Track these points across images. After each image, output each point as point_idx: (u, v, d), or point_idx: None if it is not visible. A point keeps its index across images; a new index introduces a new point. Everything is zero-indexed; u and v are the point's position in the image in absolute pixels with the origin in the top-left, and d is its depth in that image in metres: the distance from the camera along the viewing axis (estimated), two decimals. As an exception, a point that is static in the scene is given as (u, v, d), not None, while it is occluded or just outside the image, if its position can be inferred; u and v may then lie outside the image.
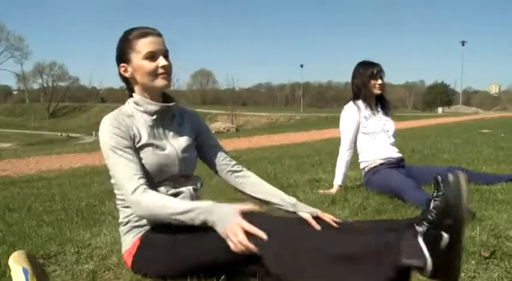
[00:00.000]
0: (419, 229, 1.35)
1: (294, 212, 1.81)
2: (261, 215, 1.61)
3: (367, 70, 3.55)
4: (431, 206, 1.35)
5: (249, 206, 1.61)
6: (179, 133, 1.92)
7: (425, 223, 1.35)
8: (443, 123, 23.46)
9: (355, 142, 3.61)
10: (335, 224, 1.63)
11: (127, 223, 1.84)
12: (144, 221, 1.79)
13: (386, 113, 3.68)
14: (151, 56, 1.78)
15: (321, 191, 3.58)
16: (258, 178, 2.02)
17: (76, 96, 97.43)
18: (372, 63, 3.61)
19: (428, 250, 1.31)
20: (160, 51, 1.80)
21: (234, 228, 1.52)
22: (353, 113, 3.56)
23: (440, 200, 1.35)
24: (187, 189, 1.87)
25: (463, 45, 69.14)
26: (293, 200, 1.88)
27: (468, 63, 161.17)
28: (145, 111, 1.85)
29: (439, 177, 1.39)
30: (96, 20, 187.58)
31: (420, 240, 1.33)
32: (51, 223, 2.93)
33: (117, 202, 1.88)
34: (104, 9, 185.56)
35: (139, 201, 1.66)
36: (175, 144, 1.88)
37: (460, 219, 1.33)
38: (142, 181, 1.70)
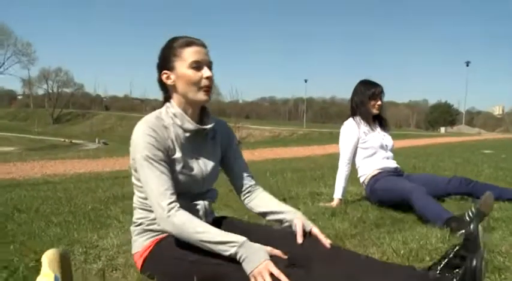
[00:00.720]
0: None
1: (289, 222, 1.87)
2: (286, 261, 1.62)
3: (368, 90, 3.64)
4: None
5: (278, 251, 1.63)
6: (209, 152, 1.94)
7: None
8: (445, 143, 23.52)
9: (354, 157, 3.69)
10: (327, 246, 1.70)
11: (139, 224, 1.88)
12: (157, 227, 1.82)
13: (384, 129, 3.77)
14: (197, 66, 1.79)
15: (321, 204, 3.65)
16: (267, 195, 2.05)
17: (80, 103, 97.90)
18: (373, 83, 3.69)
19: None
20: (205, 61, 1.82)
21: (263, 271, 1.55)
22: (353, 129, 3.66)
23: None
24: (202, 203, 1.91)
25: (467, 65, 69.38)
26: (298, 213, 1.92)
27: (472, 83, 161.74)
28: (181, 127, 1.85)
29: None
30: (103, 29, 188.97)
31: None
32: (59, 224, 3.01)
33: (135, 202, 1.91)
34: (112, 19, 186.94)
35: (171, 220, 1.68)
36: (204, 164, 1.91)
37: None
38: (174, 197, 1.72)
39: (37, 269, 1.94)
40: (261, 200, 2.01)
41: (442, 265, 1.56)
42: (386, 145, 3.67)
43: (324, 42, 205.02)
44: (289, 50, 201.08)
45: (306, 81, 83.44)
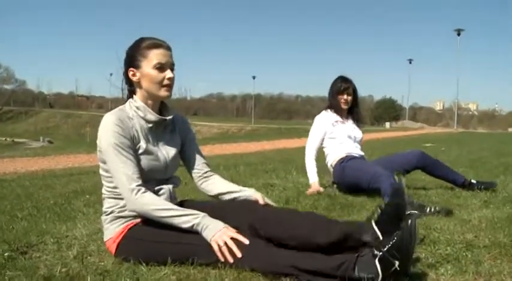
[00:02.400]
0: (376, 252, 1.65)
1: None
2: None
3: (336, 85, 3.96)
4: (391, 242, 1.64)
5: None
6: (170, 141, 2.13)
7: (382, 250, 1.63)
8: (390, 137, 24.48)
9: (321, 147, 3.97)
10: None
11: (110, 212, 2.03)
12: (127, 213, 2.00)
13: (355, 122, 4.05)
14: (160, 67, 1.98)
15: (308, 192, 3.80)
16: (224, 179, 2.27)
17: (21, 100, 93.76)
18: (343, 79, 3.98)
19: (381, 269, 1.61)
20: (169, 63, 2.01)
21: (222, 235, 1.79)
22: (322, 121, 3.97)
23: (397, 238, 1.64)
24: (167, 187, 2.09)
25: (410, 63, 72.11)
26: (252, 190, 2.18)
27: (415, 80, 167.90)
28: (143, 118, 2.04)
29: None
30: (46, 25, 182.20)
31: (376, 261, 1.63)
32: (25, 218, 3.08)
33: (104, 192, 2.06)
34: (56, 14, 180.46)
35: (137, 200, 1.89)
36: (166, 152, 2.09)
37: (409, 254, 1.65)
38: (140, 181, 1.92)
39: (13, 259, 2.07)
40: (218, 183, 2.24)
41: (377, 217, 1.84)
42: (354, 136, 3.95)
43: (272, 39, 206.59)
44: (237, 46, 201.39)
45: (254, 77, 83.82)
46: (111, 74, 39.35)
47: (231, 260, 1.76)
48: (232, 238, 1.79)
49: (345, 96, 3.94)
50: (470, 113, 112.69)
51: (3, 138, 55.24)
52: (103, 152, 1.96)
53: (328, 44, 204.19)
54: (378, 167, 3.48)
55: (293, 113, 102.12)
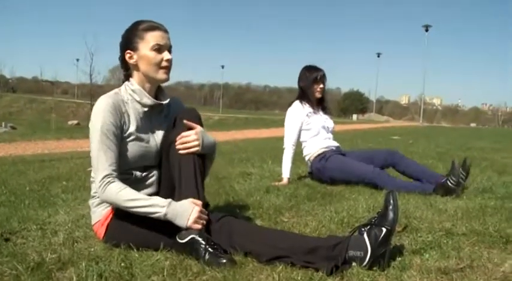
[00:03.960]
0: (363, 229, 1.76)
1: None
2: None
3: (312, 75, 3.95)
4: (376, 215, 1.79)
5: (198, 201, 1.89)
6: (164, 127, 2.11)
7: (371, 224, 1.76)
8: (358, 129, 24.87)
9: (298, 138, 3.98)
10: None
11: (97, 197, 2.03)
12: None
13: (326, 113, 4.11)
14: (158, 49, 1.98)
15: (273, 183, 3.84)
16: None
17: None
18: (316, 68, 4.00)
19: (370, 243, 1.70)
20: (167, 45, 2.01)
21: (195, 219, 1.82)
22: (298, 112, 3.95)
23: (381, 210, 1.79)
24: (155, 172, 2.10)
25: (378, 56, 73.14)
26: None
27: (382, 74, 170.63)
28: (139, 102, 2.03)
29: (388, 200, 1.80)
30: (8, 8, 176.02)
31: (365, 236, 1.73)
32: (3, 204, 3.01)
33: (92, 175, 2.05)
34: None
35: (105, 192, 1.88)
36: (158, 138, 2.09)
37: (394, 221, 1.75)
38: (113, 171, 1.91)
39: (-2, 244, 2.04)
40: None
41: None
42: (328, 127, 4.01)
43: (242, 29, 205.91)
44: (206, 35, 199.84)
45: (222, 67, 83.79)
46: (77, 60, 38.54)
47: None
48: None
49: (321, 85, 3.97)
50: (435, 107, 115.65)
51: (-38, 124, 53.29)
52: (90, 134, 1.95)
53: (297, 36, 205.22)
54: (363, 165, 3.59)
55: (260, 104, 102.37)
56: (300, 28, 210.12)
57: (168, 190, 2.03)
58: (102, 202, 2.03)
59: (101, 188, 1.89)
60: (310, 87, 3.96)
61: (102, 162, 1.90)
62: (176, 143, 1.96)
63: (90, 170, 2.04)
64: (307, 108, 3.96)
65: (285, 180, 3.89)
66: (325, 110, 4.12)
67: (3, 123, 30.36)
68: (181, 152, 1.96)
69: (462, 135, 17.43)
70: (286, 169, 3.92)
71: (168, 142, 2.02)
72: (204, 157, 2.03)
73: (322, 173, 3.80)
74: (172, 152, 1.98)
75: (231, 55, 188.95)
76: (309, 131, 3.96)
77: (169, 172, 2.02)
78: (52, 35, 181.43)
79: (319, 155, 3.85)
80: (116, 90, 2.06)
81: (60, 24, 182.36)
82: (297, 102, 4.01)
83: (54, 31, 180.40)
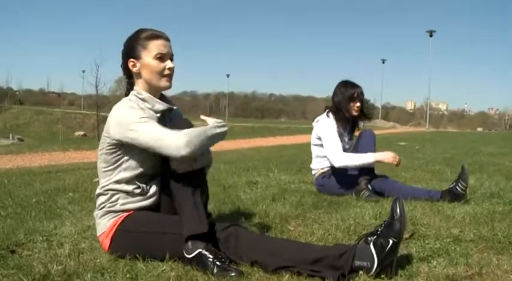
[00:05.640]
0: (370, 239, 1.75)
1: None
2: None
3: (347, 91, 3.64)
4: (382, 225, 1.77)
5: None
6: None
7: (377, 234, 1.75)
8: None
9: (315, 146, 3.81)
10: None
11: (102, 207, 2.05)
12: (118, 207, 2.01)
13: (351, 136, 3.81)
14: (161, 57, 2.00)
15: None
16: None
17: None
18: (353, 84, 3.69)
19: (376, 253, 1.69)
20: (169, 54, 2.03)
21: None
22: (333, 123, 3.66)
23: (387, 220, 1.78)
24: (156, 184, 2.08)
25: (383, 62, 73.09)
26: None
27: (387, 80, 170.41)
28: (151, 109, 2.03)
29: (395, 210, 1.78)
30: (16, 21, 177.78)
31: (371, 246, 1.72)
32: (9, 216, 3.03)
33: (98, 190, 2.06)
34: (27, 11, 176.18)
35: (185, 140, 1.81)
36: None
37: (401, 231, 1.74)
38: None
39: (4, 257, 2.04)
40: None
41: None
42: (345, 152, 3.63)
43: (247, 37, 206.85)
44: (211, 45, 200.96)
45: (228, 76, 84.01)
46: (83, 71, 38.83)
47: None
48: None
49: (358, 104, 3.65)
50: (441, 112, 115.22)
51: (-30, 136, 53.75)
52: (132, 131, 1.89)
53: (302, 44, 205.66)
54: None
55: (266, 112, 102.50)
56: (304, 35, 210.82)
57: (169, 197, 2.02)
58: (107, 213, 2.03)
59: (184, 143, 1.82)
60: (346, 105, 3.64)
61: (162, 132, 1.86)
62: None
63: (97, 181, 2.04)
64: (338, 128, 3.66)
65: (384, 154, 3.58)
66: (352, 133, 3.81)
67: (10, 136, 30.65)
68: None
69: (469, 140, 17.30)
70: (362, 156, 3.52)
71: None
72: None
73: (325, 189, 3.71)
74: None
75: (236, 64, 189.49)
76: (323, 149, 3.70)
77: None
78: (58, 46, 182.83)
79: (323, 173, 3.75)
80: (127, 100, 2.05)
81: (66, 36, 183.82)
82: (331, 118, 3.69)
83: (60, 43, 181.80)
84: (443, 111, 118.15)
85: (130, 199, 2.02)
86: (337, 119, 3.67)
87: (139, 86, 2.07)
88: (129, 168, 2.01)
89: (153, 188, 2.08)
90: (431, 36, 52.03)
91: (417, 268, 1.78)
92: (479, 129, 61.49)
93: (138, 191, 2.03)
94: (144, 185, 2.05)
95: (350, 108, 3.65)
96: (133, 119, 1.90)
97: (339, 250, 1.73)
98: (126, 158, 2.00)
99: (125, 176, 2.01)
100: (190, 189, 1.91)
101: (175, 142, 1.81)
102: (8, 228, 2.63)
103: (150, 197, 2.06)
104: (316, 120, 3.82)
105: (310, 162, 3.93)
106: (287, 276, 1.69)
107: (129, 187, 2.02)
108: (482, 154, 8.87)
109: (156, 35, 2.02)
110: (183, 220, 1.87)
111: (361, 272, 1.68)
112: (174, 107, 2.13)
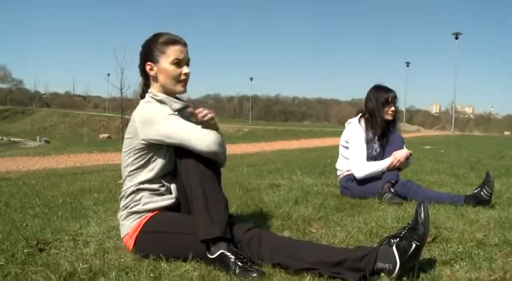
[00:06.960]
0: (393, 241, 1.74)
1: None
2: None
3: (381, 96, 3.61)
4: (405, 228, 1.78)
5: None
6: None
7: (400, 236, 1.75)
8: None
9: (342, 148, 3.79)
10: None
11: (125, 208, 2.09)
12: (141, 207, 2.04)
13: (383, 140, 3.71)
14: (178, 63, 2.05)
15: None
16: None
17: (18, 99, 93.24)
18: (386, 89, 3.67)
19: (399, 256, 1.69)
20: (185, 59, 2.08)
21: None
22: (362, 131, 3.65)
23: (411, 223, 1.78)
24: (174, 186, 2.12)
25: (407, 65, 72.13)
26: None
27: (412, 83, 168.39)
28: (170, 108, 2.06)
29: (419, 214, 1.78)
30: (43, 24, 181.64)
31: (394, 249, 1.72)
32: (37, 215, 3.10)
33: (124, 190, 2.11)
34: (52, 14, 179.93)
35: (215, 137, 1.93)
36: None
37: (425, 235, 1.74)
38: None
39: (32, 255, 2.10)
40: None
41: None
42: (374, 158, 3.66)
43: (270, 40, 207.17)
44: (235, 48, 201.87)
45: (251, 79, 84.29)
46: (108, 75, 39.38)
47: None
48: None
49: (392, 108, 3.63)
50: (467, 116, 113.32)
51: (0, 138, 54.98)
52: (162, 127, 1.95)
53: (326, 46, 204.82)
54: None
55: (289, 115, 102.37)
56: (327, 39, 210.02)
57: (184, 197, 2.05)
58: (131, 214, 2.07)
59: (212, 140, 1.93)
60: (380, 109, 3.60)
61: (192, 127, 1.95)
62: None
63: (121, 183, 2.09)
64: (368, 134, 3.64)
65: (397, 153, 3.55)
66: (384, 138, 3.70)
67: (37, 138, 31.27)
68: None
69: (495, 144, 17.01)
70: (378, 163, 3.56)
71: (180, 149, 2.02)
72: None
73: (349, 191, 3.69)
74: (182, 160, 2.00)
75: (260, 67, 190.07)
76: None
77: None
78: (84, 50, 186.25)
79: (348, 175, 3.72)
80: (147, 101, 2.10)
81: (91, 39, 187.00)
82: (362, 124, 3.67)
83: (85, 46, 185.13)
84: (470, 115, 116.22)
85: (154, 198, 2.06)
86: (369, 125, 3.64)
87: (154, 89, 2.11)
88: (155, 168, 2.05)
89: (174, 187, 2.12)
90: (456, 38, 51.26)
91: (439, 272, 1.77)
92: (507, 133, 60.25)
93: (163, 189, 2.08)
94: (167, 184, 2.09)
95: (384, 113, 3.62)
96: (162, 117, 1.96)
97: (360, 252, 1.73)
98: (152, 159, 2.04)
99: (150, 176, 2.05)
100: (202, 189, 1.92)
101: (207, 137, 1.90)
102: (36, 227, 2.70)
103: (172, 195, 2.10)
104: (348, 121, 3.82)
105: (333, 165, 3.92)
106: (308, 277, 1.70)
107: (155, 186, 2.06)
108: (509, 157, 8.71)
109: (174, 40, 2.06)
110: (195, 222, 1.90)
111: (382, 274, 1.68)
112: (190, 106, 2.12)
